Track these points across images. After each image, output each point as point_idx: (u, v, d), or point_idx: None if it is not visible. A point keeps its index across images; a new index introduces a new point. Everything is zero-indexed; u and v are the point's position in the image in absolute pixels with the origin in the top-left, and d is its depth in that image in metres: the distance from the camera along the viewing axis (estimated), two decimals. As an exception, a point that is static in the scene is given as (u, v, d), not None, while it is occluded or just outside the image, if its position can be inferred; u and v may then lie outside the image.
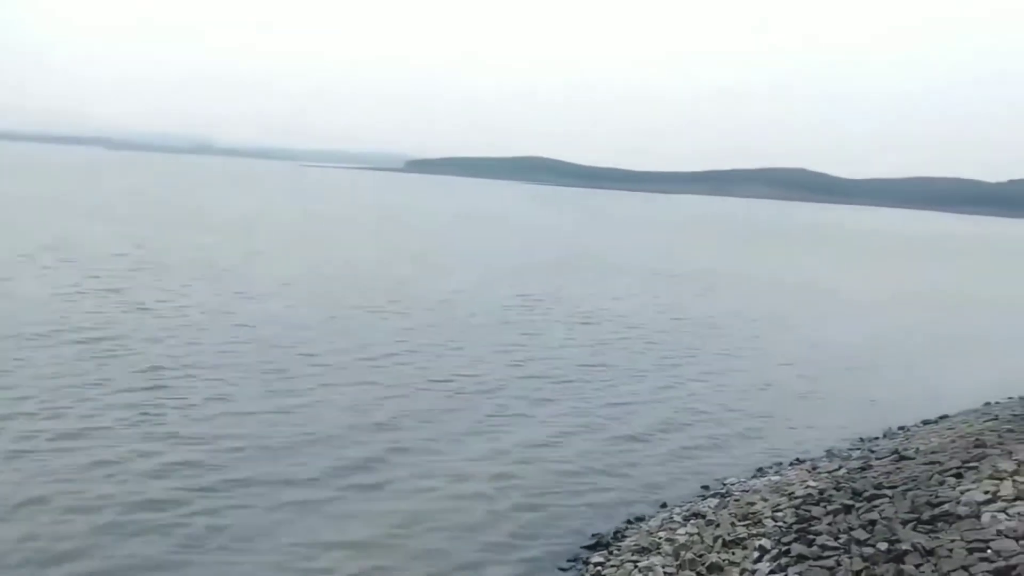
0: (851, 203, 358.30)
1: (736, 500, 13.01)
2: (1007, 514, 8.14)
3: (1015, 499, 8.45)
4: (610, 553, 11.88)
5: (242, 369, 19.76)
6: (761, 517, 11.29)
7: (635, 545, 11.82)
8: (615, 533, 12.79)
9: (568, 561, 11.85)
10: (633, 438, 17.38)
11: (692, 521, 12.37)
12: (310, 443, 15.30)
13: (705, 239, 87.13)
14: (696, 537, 11.43)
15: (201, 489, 12.88)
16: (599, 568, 11.42)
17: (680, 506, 13.79)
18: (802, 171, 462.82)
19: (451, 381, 20.40)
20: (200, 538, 11.37)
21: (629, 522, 13.29)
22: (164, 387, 17.78)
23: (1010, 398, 21.60)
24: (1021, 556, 7.06)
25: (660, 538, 11.82)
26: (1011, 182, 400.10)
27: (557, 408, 19.05)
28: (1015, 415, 17.14)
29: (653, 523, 12.94)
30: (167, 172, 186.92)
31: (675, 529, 12.14)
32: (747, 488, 14.04)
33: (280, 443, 15.16)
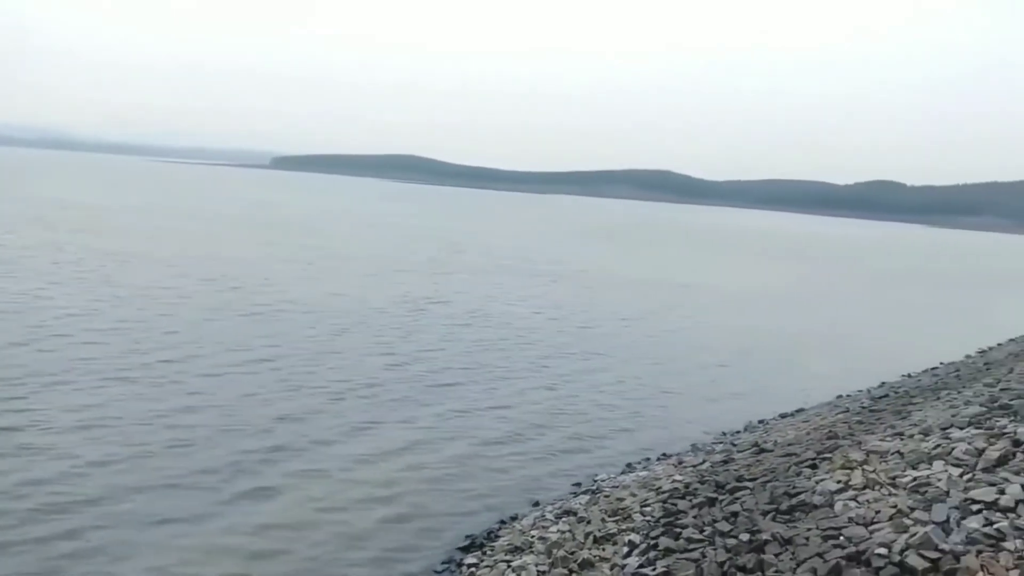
0: (712, 204, 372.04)
1: (606, 496, 13.26)
2: (857, 502, 8.57)
3: (864, 487, 8.91)
4: (483, 554, 11.91)
5: (100, 376, 18.80)
6: (630, 512, 11.56)
7: (508, 544, 11.89)
8: (488, 533, 12.83)
9: (442, 563, 11.82)
10: (507, 439, 17.49)
11: (564, 519, 12.53)
12: (181, 454, 14.69)
13: (576, 239, 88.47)
14: (568, 534, 11.59)
15: (62, 507, 12.16)
16: (472, 569, 11.42)
17: (552, 504, 13.96)
18: (667, 173, 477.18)
19: (326, 386, 20.00)
20: (64, 559, 10.73)
21: (502, 522, 13.37)
22: (19, 398, 16.71)
23: (859, 391, 22.88)
24: (870, 541, 7.46)
25: (533, 536, 11.93)
26: (858, 184, 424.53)
27: (433, 410, 18.95)
28: (864, 407, 18.15)
29: (526, 522, 13.05)
30: (11, 167, 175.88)
31: (547, 527, 12.28)
32: (617, 484, 14.35)
33: (148, 454, 14.50)
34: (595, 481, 15.15)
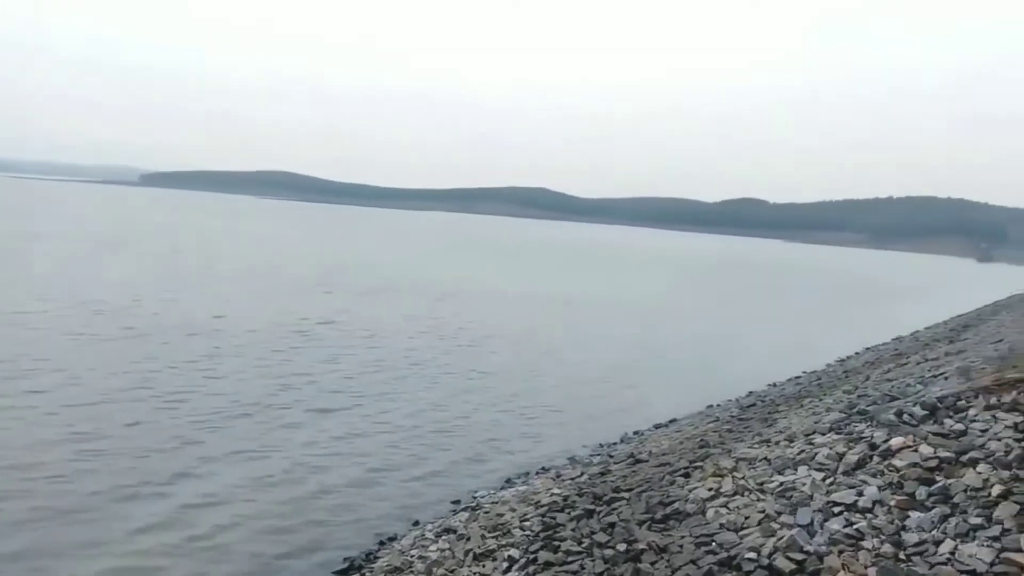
0: (587, 221, 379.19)
1: (486, 512, 13.25)
2: (728, 508, 8.85)
3: (734, 494, 9.21)
4: (362, 576, 11.71)
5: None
6: (510, 527, 11.57)
7: (388, 566, 11.72)
8: (367, 555, 12.62)
9: (320, 587, 11.55)
10: (388, 459, 17.25)
11: (444, 537, 12.45)
12: (60, 490, 13.83)
13: (457, 256, 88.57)
14: (448, 552, 11.51)
15: None
16: (351, 592, 11.21)
17: (432, 523, 13.85)
18: (543, 190, 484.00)
19: (207, 411, 19.18)
20: None
21: (382, 543, 13.18)
22: None
23: (729, 400, 23.71)
24: (740, 546, 7.70)
25: (413, 556, 11.80)
26: (724, 202, 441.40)
27: (312, 434, 18.47)
28: (733, 416, 18.80)
29: (405, 542, 12.90)
30: None
31: (427, 546, 12.17)
32: (496, 499, 14.36)
33: (26, 492, 13.60)
34: (475, 498, 15.13)
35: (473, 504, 14.55)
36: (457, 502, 15.08)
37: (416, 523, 14.00)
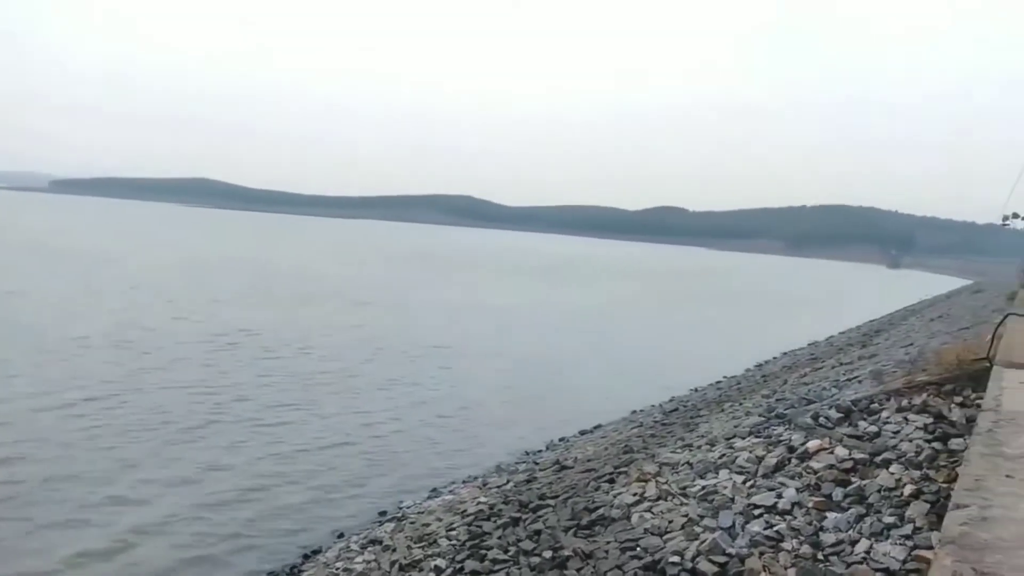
0: (512, 229, 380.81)
1: (412, 523, 13.14)
2: (652, 513, 8.93)
3: (658, 499, 9.30)
4: (286, 590, 11.48)
5: None
6: (436, 537, 11.49)
7: (312, 579, 11.53)
8: (291, 569, 12.42)
9: (242, 605, 11.29)
10: (313, 470, 16.99)
11: (369, 548, 12.29)
12: None
13: (384, 264, 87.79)
14: (373, 564, 11.36)
15: None
16: (274, 608, 10.98)
17: (357, 534, 13.68)
18: (470, 198, 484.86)
19: (129, 428, 18.59)
20: None
21: (306, 556, 12.97)
22: None
23: (652, 406, 24.03)
24: (664, 551, 7.78)
25: (338, 569, 11.63)
26: (645, 210, 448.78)
27: (238, 448, 18.08)
28: (656, 421, 19.05)
29: (330, 554, 12.71)
30: None
31: (352, 558, 12.00)
32: (423, 509, 14.26)
33: None
34: (400, 508, 14.99)
35: (399, 515, 14.41)
36: (383, 513, 14.93)
37: (341, 535, 13.81)
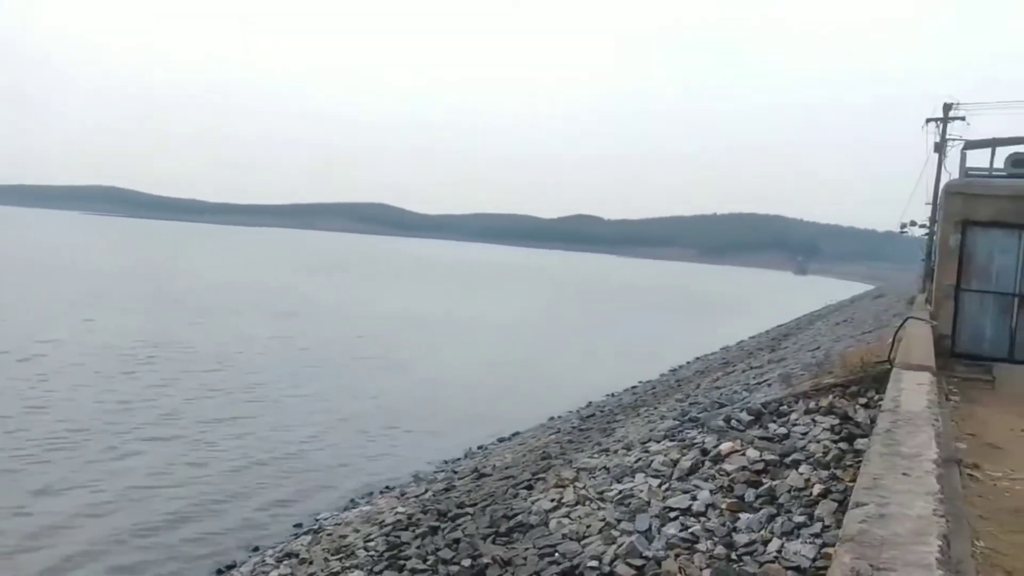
0: (427, 237, 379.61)
1: (329, 535, 12.96)
2: (570, 518, 9.01)
3: (576, 504, 9.38)
4: (198, 608, 11.19)
5: None
6: (354, 549, 11.36)
7: (225, 596, 11.26)
8: (204, 586, 12.10)
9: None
10: (225, 485, 16.58)
11: (285, 562, 12.08)
12: None
13: (297, 274, 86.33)
14: (289, 578, 11.17)
15: None
16: (186, 626, 10.68)
17: (273, 548, 13.41)
18: (383, 206, 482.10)
19: (34, 438, 17.95)
20: None
21: (219, 571, 12.67)
22: None
23: (569, 411, 24.22)
24: (583, 555, 7.85)
25: (252, 584, 11.40)
26: (561, 218, 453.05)
27: (145, 463, 17.53)
28: (574, 427, 19.22)
29: (245, 569, 12.45)
30: None
31: (268, 572, 11.78)
32: (340, 521, 14.08)
33: None
34: (317, 520, 14.76)
35: (315, 527, 14.19)
36: (299, 525, 14.67)
37: (256, 549, 13.53)
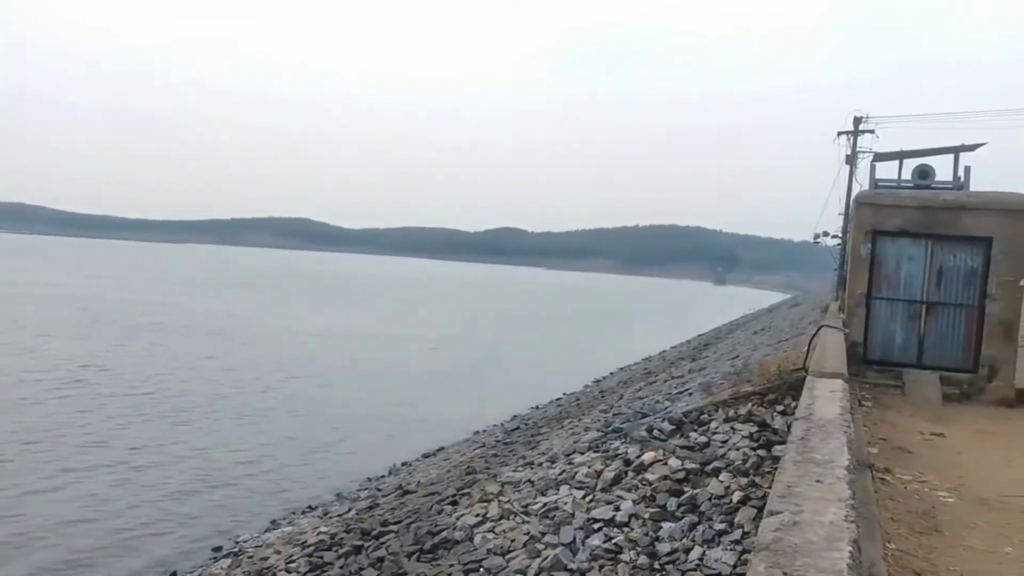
0: (350, 251, 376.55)
1: (249, 557, 12.67)
2: (495, 532, 8.98)
3: (501, 518, 9.36)
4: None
5: None
6: (276, 571, 11.12)
7: (140, 624, 10.89)
8: (118, 615, 11.68)
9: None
10: (138, 508, 16.04)
11: (204, 587, 11.77)
12: None
13: (219, 290, 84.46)
14: (208, 604, 10.87)
15: None
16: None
17: (191, 573, 13.05)
18: (306, 220, 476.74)
19: None
20: None
21: (133, 600, 12.25)
22: None
23: (494, 425, 24.21)
24: (507, 570, 7.83)
25: (169, 612, 11.05)
26: (486, 231, 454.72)
27: (55, 488, 16.86)
28: (499, 440, 19.22)
29: (161, 597, 12.07)
30: None
31: (185, 599, 11.45)
32: (261, 543, 13.76)
33: None
34: (237, 543, 14.40)
35: (236, 550, 13.84)
36: (218, 549, 14.29)
37: (173, 574, 13.12)
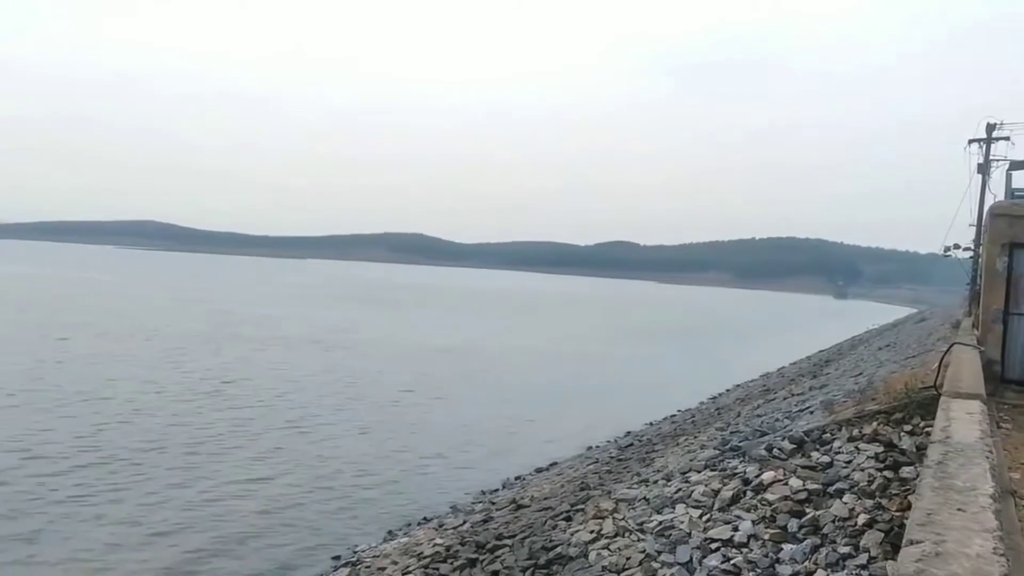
0: (463, 266, 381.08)
1: (367, 567, 12.91)
2: (609, 550, 8.89)
3: (615, 535, 9.27)
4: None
5: None
6: (392, 581, 11.31)
7: (264, 629, 11.23)
8: (242, 619, 12.08)
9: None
10: (262, 516, 16.60)
11: (323, 595, 12.05)
12: None
13: (339, 304, 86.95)
14: (328, 611, 11.13)
15: None
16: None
17: (311, 580, 13.39)
18: (420, 236, 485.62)
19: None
20: None
21: (258, 605, 12.65)
22: None
23: (608, 441, 24.01)
24: (623, 588, 7.74)
25: (290, 618, 11.36)
26: (597, 245, 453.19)
27: (183, 495, 17.66)
28: (612, 457, 19.04)
29: (283, 602, 12.42)
30: None
31: (306, 606, 11.74)
32: (378, 553, 14.00)
33: None
34: (355, 553, 14.70)
35: (354, 559, 14.14)
36: (337, 558, 14.62)
37: (294, 582, 13.50)
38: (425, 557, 11.91)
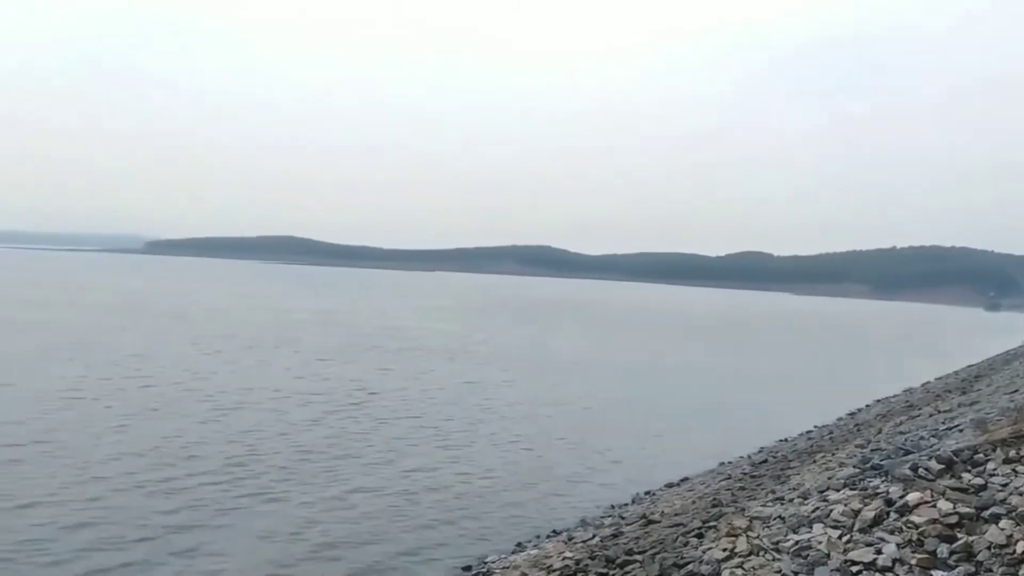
0: (590, 277, 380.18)
1: (497, 578, 12.99)
2: (743, 569, 8.63)
3: (750, 554, 8.99)
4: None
5: None
6: (521, 593, 11.33)
7: (397, 636, 11.44)
8: (376, 625, 12.34)
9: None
10: (392, 523, 16.93)
11: (454, 604, 12.18)
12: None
13: (467, 315, 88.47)
14: (458, 621, 11.24)
15: None
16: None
17: (442, 590, 13.57)
18: (547, 248, 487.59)
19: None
20: None
21: (390, 611, 12.89)
22: None
23: (740, 457, 23.43)
24: (758, 609, 7.50)
25: (422, 625, 11.53)
26: (728, 256, 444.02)
27: (314, 498, 18.25)
28: (745, 473, 18.55)
29: (415, 610, 12.62)
30: None
31: (437, 614, 11.90)
32: (508, 564, 14.07)
33: None
34: (485, 563, 14.81)
35: (484, 570, 14.25)
36: (468, 568, 14.77)
37: (425, 593, 13.70)
38: (555, 570, 11.89)
